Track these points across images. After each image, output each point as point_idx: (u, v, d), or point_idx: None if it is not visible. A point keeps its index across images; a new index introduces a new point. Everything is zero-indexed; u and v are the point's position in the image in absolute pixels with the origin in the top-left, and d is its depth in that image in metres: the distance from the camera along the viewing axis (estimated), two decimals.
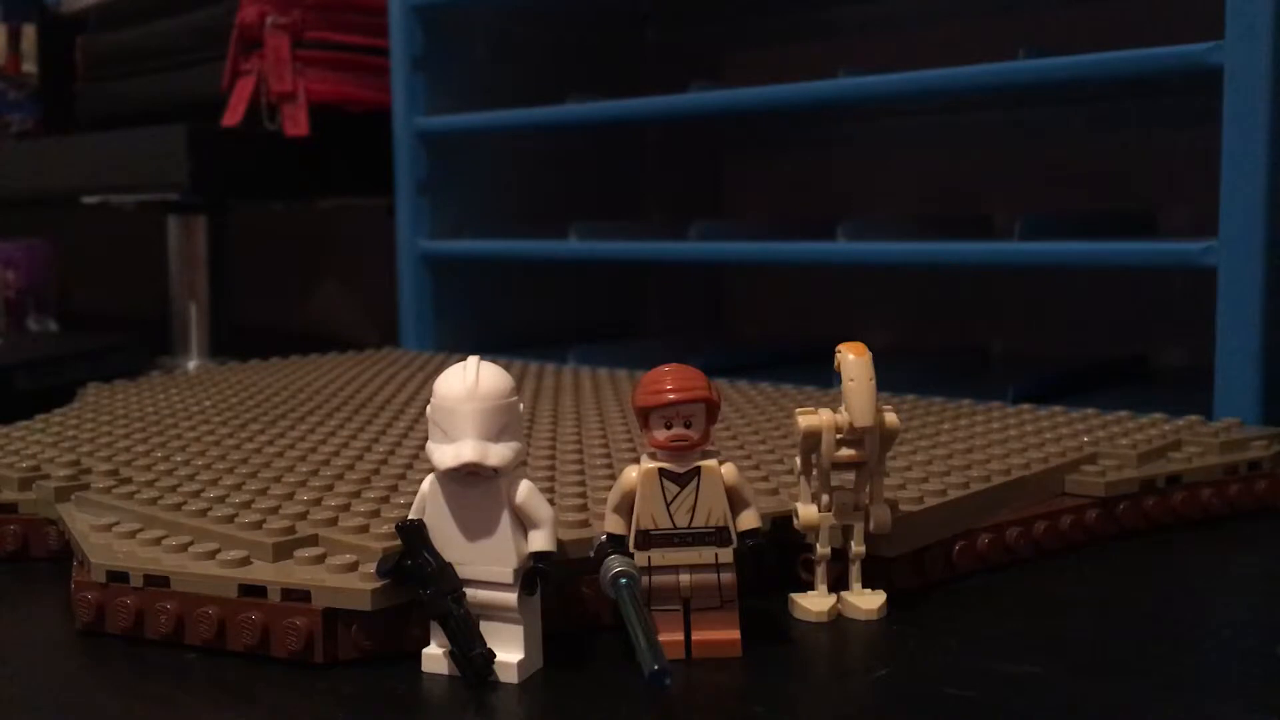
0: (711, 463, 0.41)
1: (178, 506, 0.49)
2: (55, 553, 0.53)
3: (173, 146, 1.07)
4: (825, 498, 0.45)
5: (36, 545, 0.53)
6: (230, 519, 0.46)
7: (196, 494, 0.50)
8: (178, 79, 1.20)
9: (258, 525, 0.45)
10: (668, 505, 0.41)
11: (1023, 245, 0.78)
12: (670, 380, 0.40)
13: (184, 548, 0.44)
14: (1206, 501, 0.57)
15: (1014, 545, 0.51)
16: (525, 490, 0.39)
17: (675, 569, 0.41)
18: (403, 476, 0.53)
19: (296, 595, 0.41)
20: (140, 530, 0.47)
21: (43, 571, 0.52)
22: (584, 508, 0.47)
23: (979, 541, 0.50)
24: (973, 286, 1.05)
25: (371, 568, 0.41)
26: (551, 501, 0.45)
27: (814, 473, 0.45)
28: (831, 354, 0.45)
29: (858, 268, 1.07)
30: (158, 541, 0.45)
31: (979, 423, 0.66)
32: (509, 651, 0.39)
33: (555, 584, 0.40)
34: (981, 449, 0.59)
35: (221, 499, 0.49)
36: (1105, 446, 0.59)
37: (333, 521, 0.46)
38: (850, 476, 0.45)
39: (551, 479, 0.52)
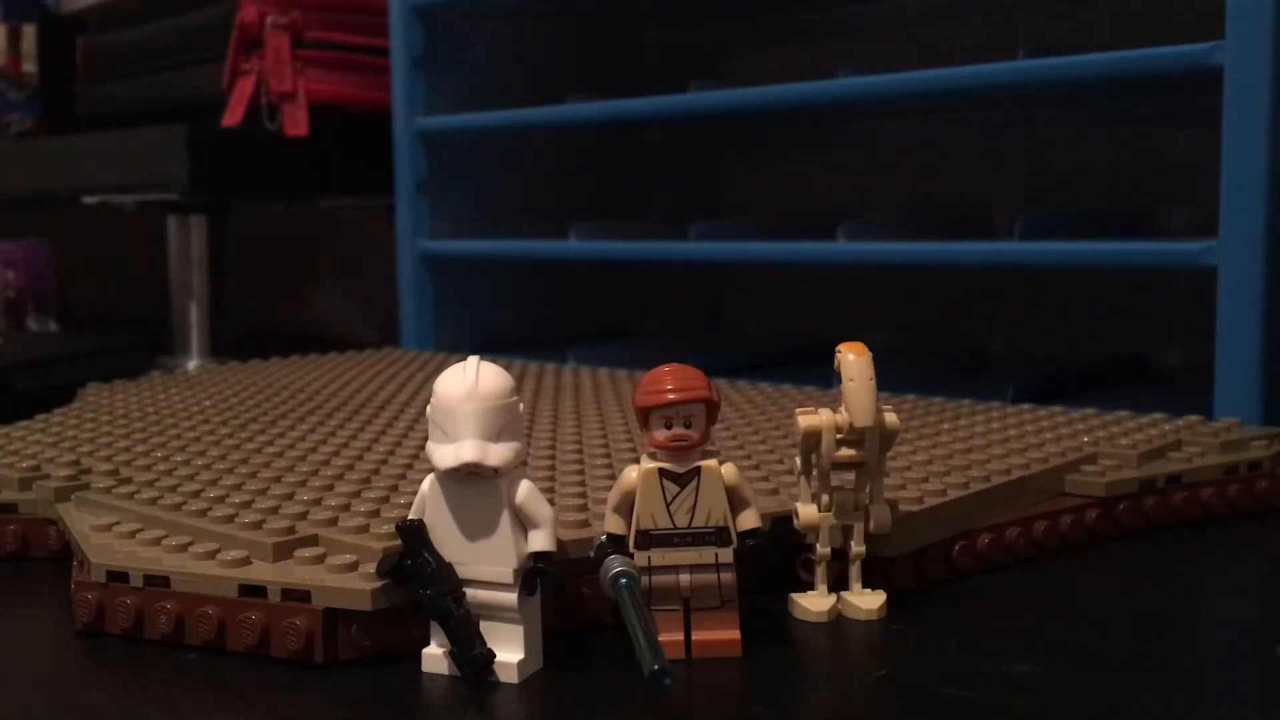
0: (711, 463, 0.41)
1: (178, 506, 0.49)
2: (55, 553, 0.53)
3: (173, 146, 1.07)
4: (825, 498, 0.45)
5: (36, 545, 0.53)
6: (230, 519, 0.46)
7: (196, 494, 0.50)
8: (178, 79, 1.20)
9: (258, 525, 0.45)
10: (668, 505, 0.41)
11: (1023, 245, 0.78)
12: (670, 380, 0.40)
13: (184, 548, 0.44)
14: (1206, 501, 0.57)
15: (1014, 545, 0.51)
16: (525, 490, 0.39)
17: (675, 569, 0.41)
18: (403, 476, 0.53)
19: (296, 595, 0.41)
20: (140, 530, 0.47)
21: (43, 571, 0.52)
22: (584, 508, 0.47)
23: (979, 541, 0.50)
24: (973, 286, 1.05)
25: (371, 568, 0.41)
26: (551, 501, 0.45)
27: (814, 473, 0.45)
28: (831, 354, 0.45)
29: (858, 268, 1.07)
30: (158, 541, 0.45)
31: (979, 423, 0.66)
32: (509, 651, 0.39)
33: (555, 584, 0.40)
34: (981, 449, 0.59)
35: (221, 499, 0.49)
36: (1105, 446, 0.59)
37: (333, 521, 0.46)
38: (850, 476, 0.45)
39: (551, 479, 0.52)
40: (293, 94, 1.07)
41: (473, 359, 0.39)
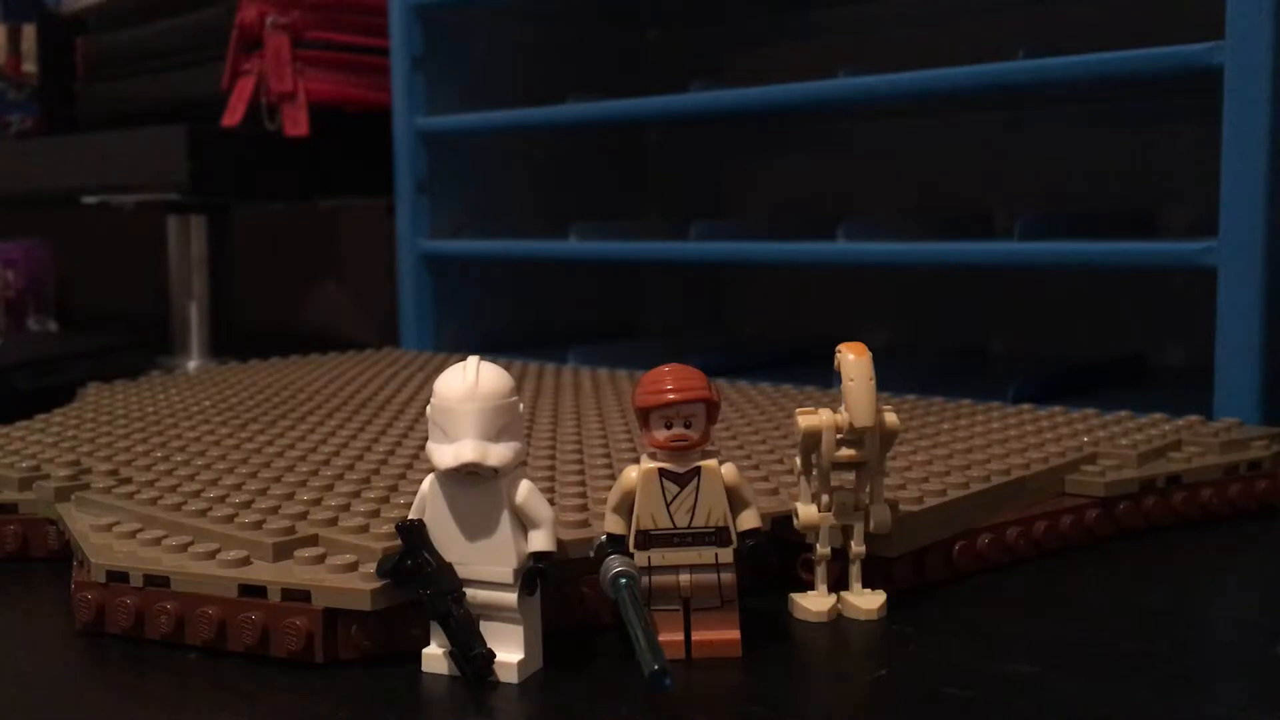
0: (711, 463, 0.41)
1: (178, 506, 0.49)
2: (55, 553, 0.53)
3: (173, 146, 1.07)
4: (825, 498, 0.45)
5: (36, 545, 0.53)
6: (230, 519, 0.46)
7: (196, 494, 0.50)
8: (178, 79, 1.20)
9: (258, 525, 0.45)
10: (668, 505, 0.41)
11: (1023, 245, 0.78)
12: (670, 380, 0.40)
13: (184, 548, 0.44)
14: (1206, 501, 0.57)
15: (1014, 545, 0.51)
16: (525, 490, 0.39)
17: (675, 569, 0.41)
18: (403, 476, 0.53)
19: (296, 595, 0.41)
20: (140, 530, 0.47)
21: (43, 571, 0.52)
22: (584, 508, 0.47)
23: (979, 541, 0.50)
24: (973, 286, 1.05)
25: (371, 568, 0.41)
26: (551, 501, 0.45)
27: (814, 473, 0.45)
28: (831, 354, 0.45)
29: (858, 268, 1.07)
30: (158, 541, 0.45)
31: (979, 423, 0.66)
32: (509, 651, 0.39)
33: (555, 584, 0.40)
34: (981, 449, 0.59)
35: (221, 499, 0.49)
36: (1105, 446, 0.59)
37: (333, 521, 0.46)
38: (850, 476, 0.45)
39: (551, 479, 0.52)
40: (293, 94, 1.07)
41: (473, 359, 0.39)
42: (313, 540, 0.45)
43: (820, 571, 0.45)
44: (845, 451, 0.44)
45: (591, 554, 0.43)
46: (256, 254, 1.44)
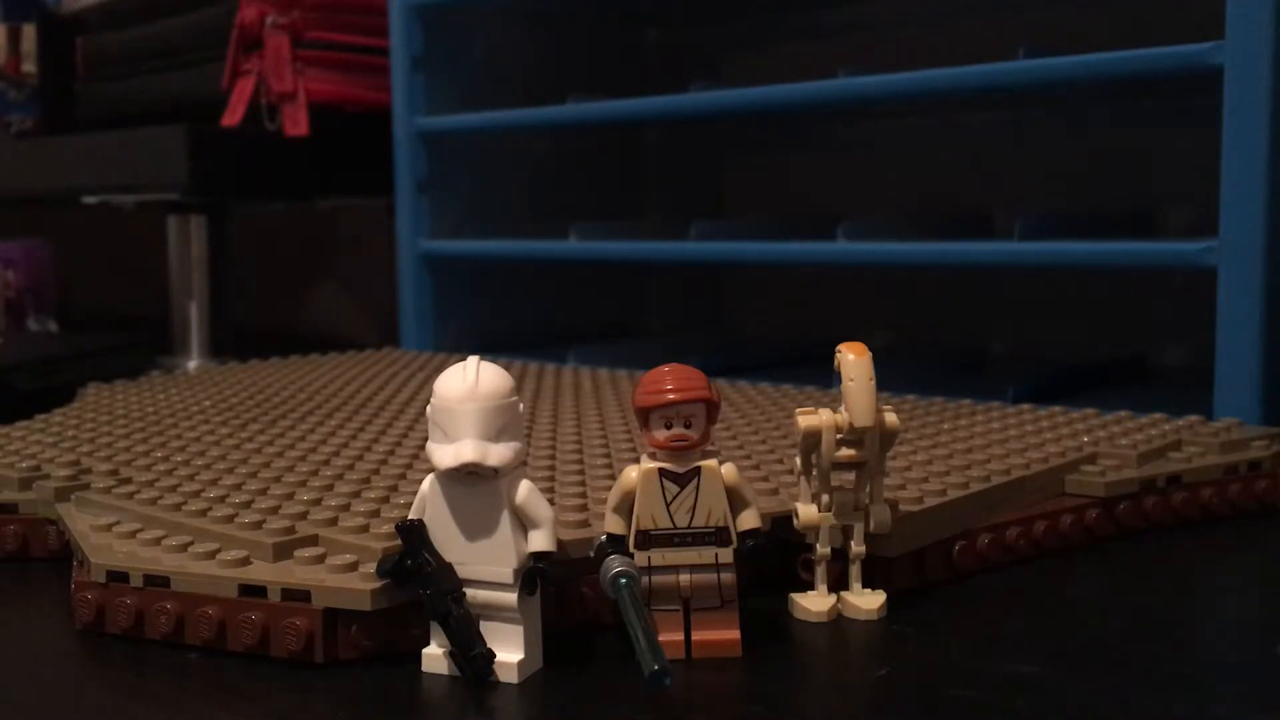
0: (711, 463, 0.41)
1: (178, 506, 0.49)
2: (55, 553, 0.53)
3: (173, 146, 1.07)
4: (825, 498, 0.45)
5: (36, 545, 0.53)
6: (230, 519, 0.46)
7: (196, 494, 0.50)
8: (178, 79, 1.20)
9: (258, 525, 0.45)
10: (668, 505, 0.41)
11: (1023, 245, 0.78)
12: (670, 380, 0.40)
13: (184, 548, 0.44)
14: (1206, 501, 0.57)
15: (1014, 545, 0.51)
16: (525, 490, 0.39)
17: (675, 569, 0.41)
18: (403, 476, 0.53)
19: (296, 595, 0.41)
20: (140, 530, 0.47)
21: (43, 571, 0.52)
22: (584, 508, 0.47)
23: (979, 541, 0.50)
24: (973, 286, 1.05)
25: (371, 568, 0.41)
26: (551, 501, 0.45)
27: (814, 473, 0.45)
28: (831, 354, 0.45)
29: (858, 268, 1.07)
30: (158, 541, 0.45)
31: (979, 423, 0.66)
32: (509, 651, 0.39)
33: (555, 584, 0.40)
34: (981, 449, 0.59)
35: (221, 499, 0.49)
36: (1105, 446, 0.59)
37: (333, 521, 0.46)
38: (850, 476, 0.45)
39: (551, 479, 0.52)
40: (293, 94, 1.07)
41: (473, 359, 0.39)
42: (313, 540, 0.45)
43: (820, 571, 0.45)
44: (845, 451, 0.44)
45: (591, 554, 0.43)
46: (256, 254, 1.44)
